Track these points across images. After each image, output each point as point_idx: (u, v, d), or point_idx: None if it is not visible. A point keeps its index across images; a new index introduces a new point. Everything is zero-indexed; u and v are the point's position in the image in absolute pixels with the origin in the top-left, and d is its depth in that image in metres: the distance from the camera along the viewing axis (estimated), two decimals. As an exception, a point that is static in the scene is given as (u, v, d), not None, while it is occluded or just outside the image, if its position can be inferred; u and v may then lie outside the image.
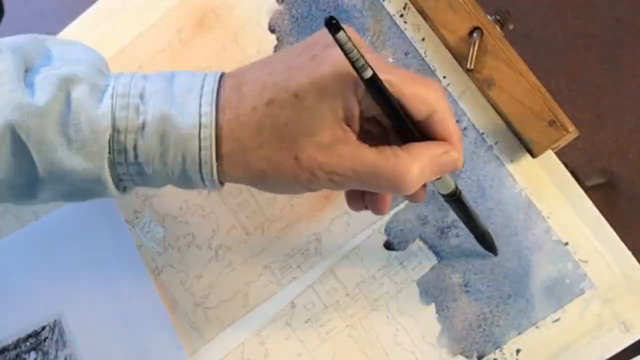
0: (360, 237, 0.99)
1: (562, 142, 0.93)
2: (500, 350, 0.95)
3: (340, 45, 0.71)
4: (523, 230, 0.96)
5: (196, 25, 1.02)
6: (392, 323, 0.98)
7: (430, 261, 0.98)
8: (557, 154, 0.96)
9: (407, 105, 0.77)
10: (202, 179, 0.81)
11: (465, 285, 0.97)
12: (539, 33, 2.31)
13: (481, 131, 0.97)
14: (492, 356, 0.95)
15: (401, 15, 0.98)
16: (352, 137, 0.78)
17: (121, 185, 0.84)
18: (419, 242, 0.98)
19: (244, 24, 1.00)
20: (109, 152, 0.80)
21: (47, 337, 1.03)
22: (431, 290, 0.97)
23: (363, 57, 0.71)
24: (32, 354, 1.03)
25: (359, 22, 0.99)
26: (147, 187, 0.85)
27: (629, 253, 0.94)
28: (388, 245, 0.99)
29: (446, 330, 0.97)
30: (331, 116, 0.77)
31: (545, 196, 0.96)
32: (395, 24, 0.98)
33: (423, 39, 0.98)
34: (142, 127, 0.79)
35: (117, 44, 1.04)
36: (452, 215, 0.95)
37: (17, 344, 1.03)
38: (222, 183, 0.83)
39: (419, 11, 0.97)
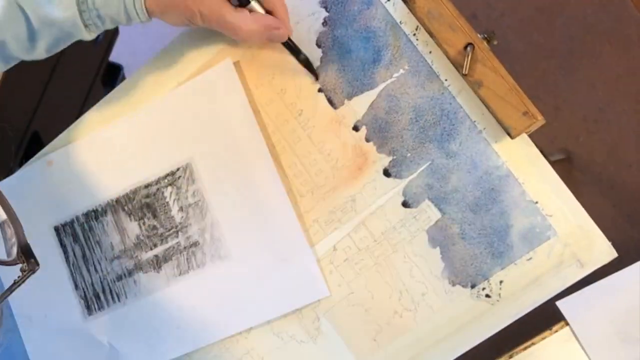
0: (385, 198, 0.99)
1: (533, 128, 0.93)
2: (488, 281, 0.97)
3: None
4: (504, 193, 0.96)
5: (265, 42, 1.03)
6: (408, 262, 0.99)
7: (436, 216, 0.98)
8: (528, 136, 0.96)
9: None
10: (135, 9, 0.93)
11: (462, 234, 0.97)
12: (513, 47, 2.28)
13: (473, 120, 0.96)
14: (481, 285, 0.97)
15: (414, 34, 0.98)
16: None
17: (89, 29, 0.94)
18: (427, 202, 0.98)
19: (299, 41, 1.00)
20: (76, 4, 0.91)
21: (180, 176, 1.05)
22: (436, 237, 0.98)
23: None
24: (169, 189, 1.04)
25: (382, 39, 0.99)
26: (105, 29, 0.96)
27: (583, 209, 0.94)
28: (405, 204, 0.99)
29: (448, 266, 0.98)
30: None
31: (521, 167, 0.95)
32: (410, 41, 0.98)
33: (430, 52, 0.98)
34: None
35: (211, 51, 1.06)
36: (452, 183, 0.97)
37: (157, 181, 1.04)
38: (149, 15, 0.95)
39: (427, 31, 0.95)
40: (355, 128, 1.00)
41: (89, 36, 0.95)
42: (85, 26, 0.93)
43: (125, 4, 0.92)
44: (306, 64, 0.99)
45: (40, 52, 0.96)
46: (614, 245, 0.94)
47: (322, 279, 1.01)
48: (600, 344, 1.02)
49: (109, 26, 0.95)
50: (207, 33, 1.02)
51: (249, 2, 0.94)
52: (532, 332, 1.03)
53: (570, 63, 2.24)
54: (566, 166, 2.17)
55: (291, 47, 0.98)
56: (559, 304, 1.03)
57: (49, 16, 0.91)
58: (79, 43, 0.96)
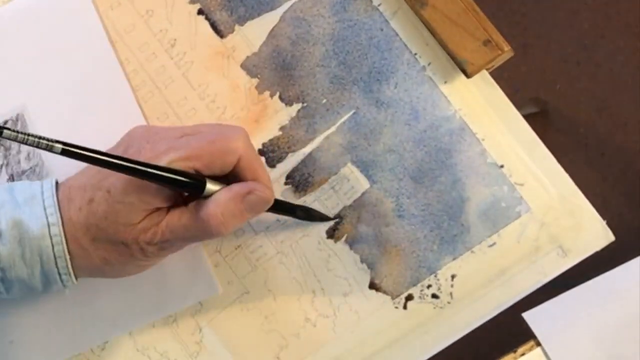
0: (291, 161, 0.90)
1: (497, 62, 0.86)
2: (435, 276, 0.87)
3: (12, 140, 0.74)
4: (457, 153, 0.88)
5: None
6: (324, 249, 0.89)
7: (362, 186, 0.89)
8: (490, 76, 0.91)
9: (211, 166, 0.80)
10: (59, 274, 0.82)
11: (398, 210, 0.88)
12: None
13: (414, 52, 0.88)
14: (426, 282, 0.87)
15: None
16: (163, 212, 0.81)
17: None
18: (350, 167, 0.89)
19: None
20: None
21: None
22: (363, 216, 0.89)
23: (44, 140, 0.73)
24: None
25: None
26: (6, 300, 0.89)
27: (566, 175, 0.87)
28: (319, 169, 0.95)
29: (380, 255, 0.89)
30: (140, 204, 0.80)
31: (480, 118, 0.88)
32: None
33: (354, -43, 0.91)
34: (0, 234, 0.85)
35: None
36: (384, 140, 0.88)
37: None
38: (76, 278, 0.84)
39: None
40: (250, 72, 0.92)
41: None
42: None
43: (41, 259, 0.83)
44: (308, 215, 0.91)
45: None
46: (607, 232, 0.93)
47: (211, 269, 0.91)
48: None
49: (18, 294, 0.86)
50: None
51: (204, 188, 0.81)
52: (489, 356, 0.96)
53: (543, -20, 2.22)
54: (539, 123, 2.08)
55: (282, 208, 0.90)
56: (527, 315, 0.95)
57: None
58: None
